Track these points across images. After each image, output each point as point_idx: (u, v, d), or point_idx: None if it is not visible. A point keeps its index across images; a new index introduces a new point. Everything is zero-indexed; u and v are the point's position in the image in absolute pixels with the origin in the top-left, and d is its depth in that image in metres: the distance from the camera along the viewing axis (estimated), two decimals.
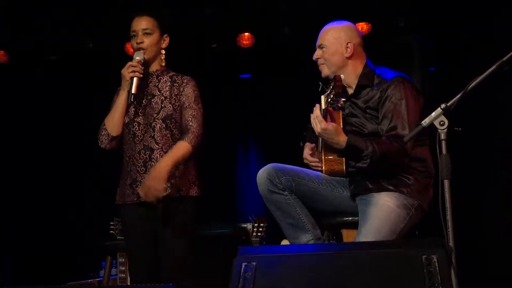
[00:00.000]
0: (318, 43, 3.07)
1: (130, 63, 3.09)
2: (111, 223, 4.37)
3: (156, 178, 2.93)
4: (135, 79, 3.06)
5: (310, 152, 3.20)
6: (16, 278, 5.85)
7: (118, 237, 4.29)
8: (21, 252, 5.99)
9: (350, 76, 3.00)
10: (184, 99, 3.14)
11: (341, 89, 2.75)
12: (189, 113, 3.10)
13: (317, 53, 3.06)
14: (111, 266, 4.62)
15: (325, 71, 3.04)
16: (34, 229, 5.91)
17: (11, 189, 6.12)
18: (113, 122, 3.12)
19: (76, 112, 5.84)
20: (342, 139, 2.76)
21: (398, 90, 2.85)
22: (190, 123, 3.08)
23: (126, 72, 3.06)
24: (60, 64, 5.76)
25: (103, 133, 3.13)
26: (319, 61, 3.06)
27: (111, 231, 4.38)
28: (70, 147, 5.93)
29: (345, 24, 3.08)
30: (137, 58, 3.11)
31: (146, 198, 2.97)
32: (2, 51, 5.60)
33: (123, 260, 4.20)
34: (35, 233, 5.89)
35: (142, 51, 3.13)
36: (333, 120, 2.99)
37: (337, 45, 3.00)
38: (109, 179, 3.57)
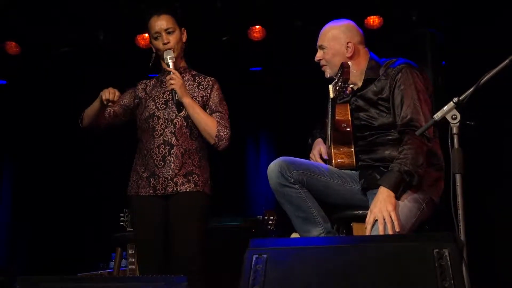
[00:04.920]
0: (318, 43, 3.07)
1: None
2: (121, 214, 4.39)
3: (179, 78, 3.08)
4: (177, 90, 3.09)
5: (323, 155, 3.19)
6: (28, 269, 5.89)
7: (128, 229, 4.30)
8: (33, 243, 6.03)
9: (355, 74, 2.98)
10: (211, 103, 3.21)
11: (349, 76, 2.71)
12: (216, 116, 3.18)
13: (318, 55, 3.06)
14: (121, 257, 4.64)
15: (328, 72, 3.04)
16: (46, 221, 5.94)
17: (23, 182, 6.16)
18: (88, 116, 3.27)
19: (87, 104, 5.85)
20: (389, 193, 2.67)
21: (406, 77, 2.84)
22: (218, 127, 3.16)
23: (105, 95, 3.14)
24: (71, 56, 5.76)
25: (80, 118, 3.29)
26: (321, 63, 3.06)
27: (121, 223, 4.40)
28: (81, 139, 5.93)
29: (344, 23, 3.06)
30: (169, 57, 3.13)
31: (168, 79, 3.09)
32: (14, 43, 5.61)
33: (133, 252, 4.22)
34: (47, 224, 5.93)
35: (171, 50, 3.14)
36: (341, 114, 2.98)
37: (337, 46, 2.99)
38: (120, 171, 3.58)
